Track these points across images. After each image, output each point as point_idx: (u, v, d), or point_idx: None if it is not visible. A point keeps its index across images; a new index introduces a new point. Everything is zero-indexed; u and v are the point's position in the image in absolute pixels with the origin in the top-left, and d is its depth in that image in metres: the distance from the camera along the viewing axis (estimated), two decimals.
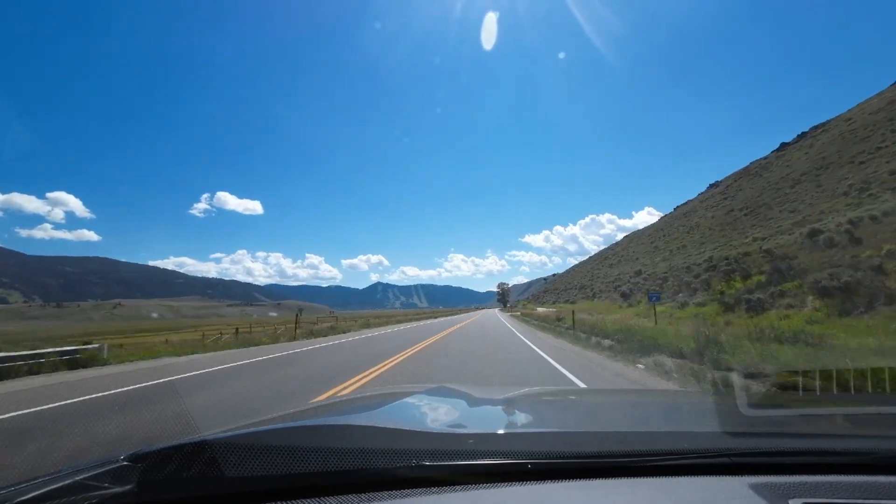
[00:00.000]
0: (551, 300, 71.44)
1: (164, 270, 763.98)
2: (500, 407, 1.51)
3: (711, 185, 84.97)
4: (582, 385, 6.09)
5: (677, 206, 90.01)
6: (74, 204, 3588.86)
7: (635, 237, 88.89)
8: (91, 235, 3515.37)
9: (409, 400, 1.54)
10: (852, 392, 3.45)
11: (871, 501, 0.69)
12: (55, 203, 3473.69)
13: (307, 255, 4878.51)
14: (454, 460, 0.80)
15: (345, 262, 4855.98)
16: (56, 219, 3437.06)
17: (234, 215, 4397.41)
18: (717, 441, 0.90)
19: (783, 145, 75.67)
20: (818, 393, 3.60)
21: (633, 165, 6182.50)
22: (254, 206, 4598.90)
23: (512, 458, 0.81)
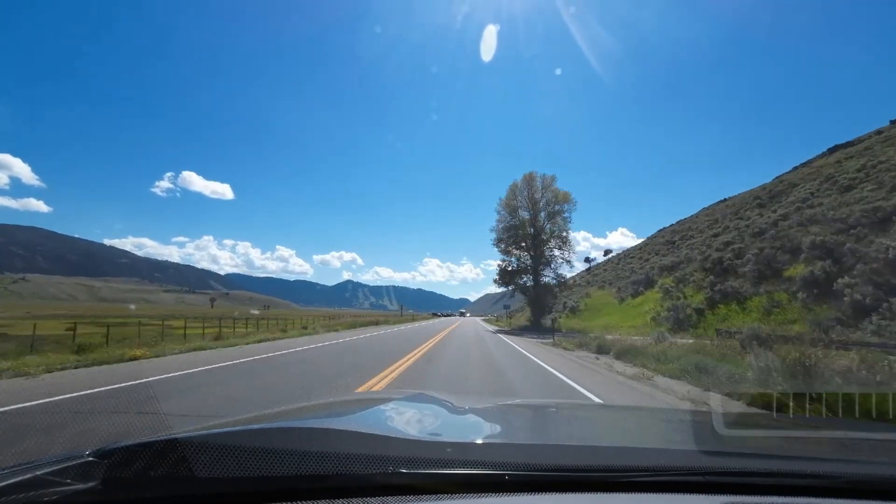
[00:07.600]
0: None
1: (111, 249, 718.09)
2: (479, 416, 1.56)
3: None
4: None
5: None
6: (21, 169, 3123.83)
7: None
8: (39, 205, 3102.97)
9: (389, 406, 1.55)
10: (824, 416, 3.68)
11: None
12: None
13: (278, 246, 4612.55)
14: (431, 469, 0.81)
15: (316, 257, 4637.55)
16: None
17: (200, 198, 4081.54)
18: (692, 459, 0.94)
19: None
20: (792, 415, 3.84)
21: (611, 185, 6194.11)
22: (223, 191, 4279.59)
23: (489, 469, 0.83)
